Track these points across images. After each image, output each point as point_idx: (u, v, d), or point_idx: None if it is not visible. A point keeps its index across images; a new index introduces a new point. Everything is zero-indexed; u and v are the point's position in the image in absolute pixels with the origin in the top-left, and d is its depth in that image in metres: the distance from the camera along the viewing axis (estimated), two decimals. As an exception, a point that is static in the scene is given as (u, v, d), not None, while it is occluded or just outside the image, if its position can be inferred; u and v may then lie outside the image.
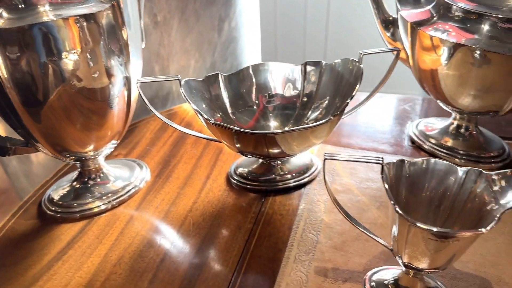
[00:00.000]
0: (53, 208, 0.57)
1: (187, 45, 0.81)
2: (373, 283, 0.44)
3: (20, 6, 0.44)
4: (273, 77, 0.62)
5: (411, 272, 0.42)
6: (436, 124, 0.67)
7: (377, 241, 0.43)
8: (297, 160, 0.62)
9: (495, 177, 0.38)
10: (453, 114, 0.64)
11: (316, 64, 0.61)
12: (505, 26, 0.49)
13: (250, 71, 0.61)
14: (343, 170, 0.62)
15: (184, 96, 0.52)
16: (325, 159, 0.39)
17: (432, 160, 0.40)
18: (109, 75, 0.49)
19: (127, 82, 0.52)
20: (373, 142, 0.69)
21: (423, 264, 0.39)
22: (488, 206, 0.37)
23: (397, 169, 0.40)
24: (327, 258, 0.49)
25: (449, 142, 0.63)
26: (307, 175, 0.61)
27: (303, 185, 0.60)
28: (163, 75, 0.56)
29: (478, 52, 0.49)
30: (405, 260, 0.39)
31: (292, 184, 0.59)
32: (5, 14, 0.42)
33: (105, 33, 0.46)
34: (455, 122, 0.64)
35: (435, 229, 0.33)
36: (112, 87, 0.50)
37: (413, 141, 0.67)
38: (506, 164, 0.61)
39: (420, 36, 0.53)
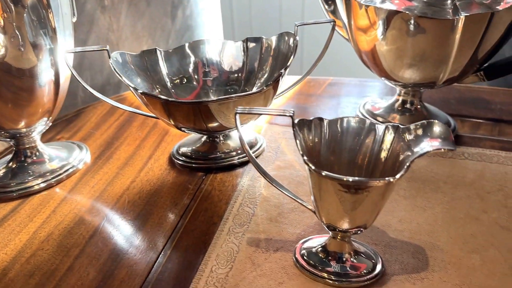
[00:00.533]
0: (-11, 189, 0.55)
1: (138, 31, 0.80)
2: (303, 251, 0.43)
3: None
4: (214, 53, 0.61)
5: (339, 236, 0.41)
6: (381, 103, 0.67)
7: (303, 205, 0.42)
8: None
9: (412, 127, 0.37)
10: (398, 90, 0.63)
11: (257, 40, 0.60)
12: (435, -7, 0.49)
13: (190, 47, 0.61)
14: (287, 148, 0.62)
15: (113, 67, 0.50)
16: (236, 113, 0.38)
17: (351, 118, 0.39)
18: (36, 51, 0.48)
19: (54, 58, 0.50)
20: (321, 122, 0.68)
21: (343, 224, 0.38)
22: (404, 155, 0.36)
23: (314, 126, 0.39)
24: (261, 230, 0.48)
25: (396, 119, 0.63)
26: (253, 150, 0.60)
27: (247, 162, 0.59)
28: (94, 45, 0.54)
29: (411, 21, 0.49)
30: (325, 221, 0.39)
31: (236, 161, 0.58)
32: None
33: (29, 7, 0.45)
34: (400, 98, 0.63)
35: (344, 178, 0.33)
36: (39, 63, 0.49)
37: (361, 120, 0.67)
38: (454, 137, 0.61)
39: (354, 8, 0.53)
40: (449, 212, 0.49)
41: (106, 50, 0.51)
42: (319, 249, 0.42)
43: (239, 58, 0.61)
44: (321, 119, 0.39)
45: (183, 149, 0.60)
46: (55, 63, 0.51)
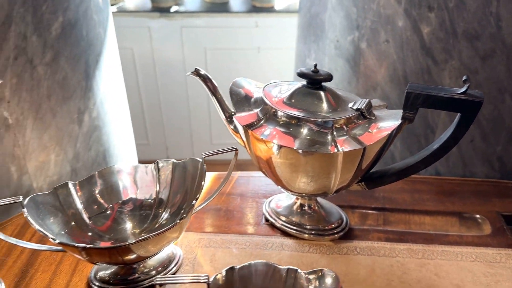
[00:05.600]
0: None
1: (45, 142, 0.80)
2: None
3: None
4: (124, 180, 0.64)
5: None
6: (283, 201, 0.74)
7: None
8: (159, 255, 0.64)
9: (310, 276, 0.44)
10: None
11: (167, 162, 0.65)
12: (317, 128, 0.58)
13: (100, 176, 0.63)
14: (203, 258, 0.66)
15: (28, 220, 0.52)
16: (156, 283, 0.42)
17: (253, 262, 0.45)
18: None
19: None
20: (233, 224, 0.74)
21: None
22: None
23: (227, 276, 0.44)
24: None
25: (297, 219, 0.71)
26: (172, 266, 0.63)
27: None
28: (3, 199, 0.55)
29: (300, 151, 0.57)
30: None
31: (158, 281, 0.61)
32: None
33: None
34: (298, 201, 0.71)
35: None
36: None
37: (267, 219, 0.73)
38: (346, 232, 0.70)
39: (252, 135, 0.60)
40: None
41: (20, 202, 0.52)
42: None
43: (150, 181, 0.65)
44: (232, 268, 0.45)
45: (101, 274, 0.62)
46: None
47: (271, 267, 0.45)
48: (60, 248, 0.59)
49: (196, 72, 0.68)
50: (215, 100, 0.69)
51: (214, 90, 0.68)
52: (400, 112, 0.59)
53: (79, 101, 0.85)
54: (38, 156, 0.80)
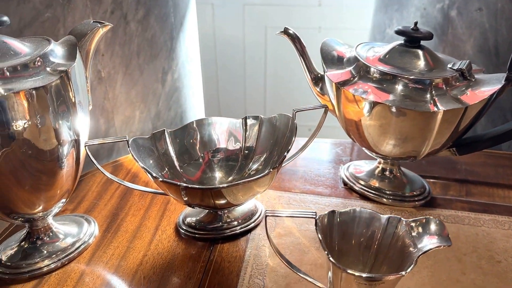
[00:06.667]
0: (1, 269, 0.57)
1: (132, 97, 0.83)
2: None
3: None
4: (216, 131, 0.66)
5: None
6: (364, 167, 0.74)
7: (316, 285, 0.47)
8: (242, 207, 0.66)
9: (412, 223, 0.44)
10: (378, 159, 0.71)
11: (256, 118, 0.66)
12: (414, 86, 0.57)
13: (194, 125, 0.66)
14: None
15: (133, 156, 0.54)
16: (266, 215, 0.43)
17: (358, 209, 0.46)
18: (58, 138, 0.51)
19: (76, 142, 0.54)
20: (310, 185, 0.74)
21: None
22: (408, 249, 0.43)
23: (329, 219, 0.45)
24: (273, 302, 0.53)
25: (377, 184, 0.70)
26: (252, 220, 0.65)
27: (249, 230, 0.64)
28: (110, 137, 0.58)
29: (394, 108, 0.57)
30: (341, 303, 0.44)
31: (239, 231, 0.63)
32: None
33: (54, 101, 0.49)
34: (380, 166, 0.71)
35: (363, 275, 0.39)
36: (61, 148, 0.52)
37: (345, 183, 0.74)
38: (428, 201, 0.69)
39: (344, 94, 0.60)
40: (434, 276, 0.56)
41: (126, 140, 0.55)
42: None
43: (239, 135, 0.66)
44: (333, 212, 0.45)
45: (189, 220, 0.64)
46: (76, 147, 0.54)
47: (372, 215, 0.46)
48: (159, 191, 0.62)
49: (285, 31, 0.69)
50: (303, 60, 0.69)
51: (302, 51, 0.69)
52: (500, 75, 0.57)
53: (164, 61, 0.87)
54: (124, 110, 0.83)
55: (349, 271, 0.39)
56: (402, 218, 0.45)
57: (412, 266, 0.39)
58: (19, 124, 0.47)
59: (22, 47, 0.49)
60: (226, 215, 0.64)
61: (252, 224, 0.64)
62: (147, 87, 0.85)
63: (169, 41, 0.88)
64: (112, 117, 0.81)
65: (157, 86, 0.87)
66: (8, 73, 0.46)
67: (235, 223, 0.64)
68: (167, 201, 0.71)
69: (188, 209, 0.67)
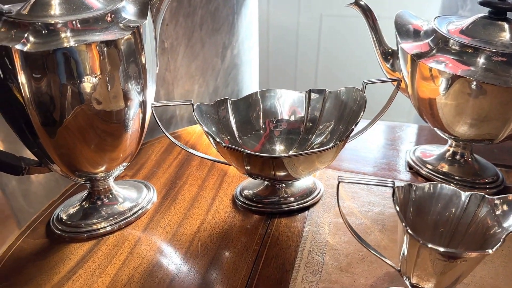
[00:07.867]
0: (61, 227, 0.58)
1: (192, 71, 0.83)
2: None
3: (43, 32, 0.46)
4: (280, 103, 0.65)
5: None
6: (433, 151, 0.70)
7: (386, 262, 0.45)
8: (301, 183, 0.64)
9: (497, 201, 0.40)
10: (449, 141, 0.67)
11: (320, 91, 0.63)
12: (498, 59, 0.52)
13: (258, 96, 0.64)
14: (345, 194, 0.65)
15: (197, 119, 0.54)
16: (339, 182, 0.41)
17: (438, 185, 0.42)
18: (126, 98, 0.51)
19: (143, 105, 0.53)
20: (372, 167, 0.71)
21: (429, 285, 0.40)
22: (492, 229, 0.39)
23: (405, 192, 0.42)
24: (334, 280, 0.50)
25: (445, 168, 0.66)
26: (310, 198, 0.63)
27: (306, 208, 0.62)
28: (174, 100, 0.57)
29: (474, 83, 0.52)
30: (414, 281, 0.41)
31: (295, 207, 0.61)
32: (31, 39, 0.44)
33: (124, 59, 0.48)
34: (451, 149, 0.67)
35: (445, 250, 0.35)
36: (128, 110, 0.52)
37: (410, 167, 0.70)
38: (500, 190, 0.64)
39: (420, 68, 0.56)
40: (508, 265, 0.52)
41: (191, 104, 0.54)
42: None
43: (302, 108, 0.64)
44: (410, 185, 0.42)
45: (246, 192, 0.63)
46: (142, 110, 0.54)
47: (453, 191, 0.42)
48: (219, 159, 0.61)
49: (356, 2, 0.65)
50: (374, 34, 0.66)
51: (374, 23, 0.65)
52: None
53: (225, 35, 0.86)
54: (184, 83, 0.83)
55: (429, 245, 0.36)
56: (486, 195, 0.41)
57: (499, 244, 0.36)
58: (89, 79, 0.47)
59: (95, 2, 0.49)
60: (283, 189, 0.62)
61: (310, 202, 0.62)
62: (207, 61, 0.84)
63: (231, 15, 0.86)
64: (172, 89, 0.81)
65: (217, 61, 0.87)
66: (79, 26, 0.46)
67: (292, 199, 0.62)
68: (224, 173, 0.70)
69: (246, 182, 0.66)
